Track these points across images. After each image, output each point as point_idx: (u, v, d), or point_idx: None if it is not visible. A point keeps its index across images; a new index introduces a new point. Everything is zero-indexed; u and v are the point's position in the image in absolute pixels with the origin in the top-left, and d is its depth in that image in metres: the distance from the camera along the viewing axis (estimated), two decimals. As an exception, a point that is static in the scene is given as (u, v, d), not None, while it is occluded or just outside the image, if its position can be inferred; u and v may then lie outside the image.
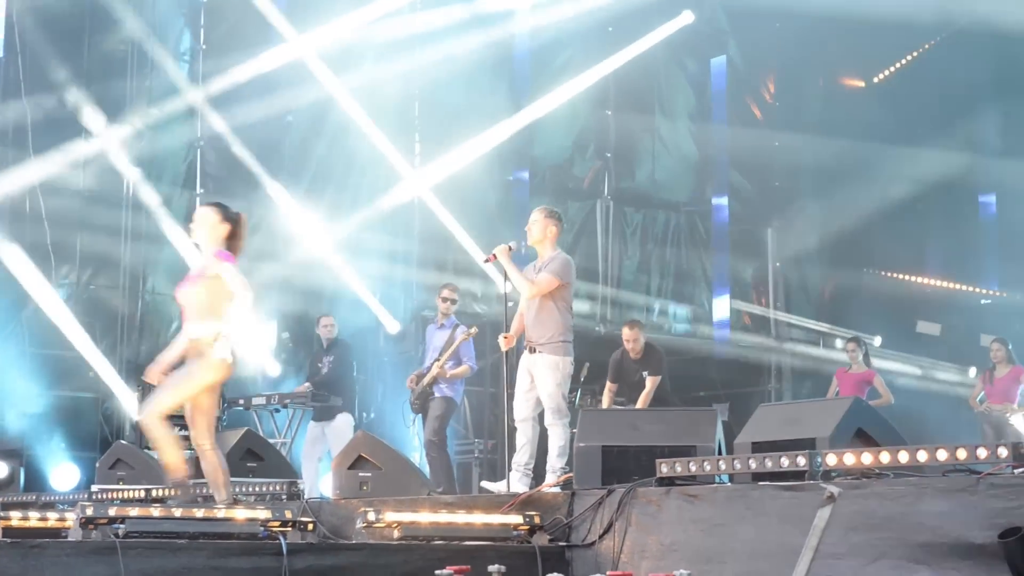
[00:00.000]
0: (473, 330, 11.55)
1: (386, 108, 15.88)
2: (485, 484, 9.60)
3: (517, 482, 8.89)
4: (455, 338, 11.51)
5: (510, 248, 9.19)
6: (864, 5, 16.23)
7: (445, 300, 11.80)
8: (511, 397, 9.21)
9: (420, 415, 11.64)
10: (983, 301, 18.12)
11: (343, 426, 12.53)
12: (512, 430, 9.17)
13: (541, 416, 9.15)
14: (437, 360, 11.45)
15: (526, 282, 9.09)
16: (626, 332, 12.08)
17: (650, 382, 11.82)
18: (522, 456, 9.01)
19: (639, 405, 11.66)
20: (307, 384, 12.77)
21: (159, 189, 14.72)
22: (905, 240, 18.54)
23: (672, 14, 17.46)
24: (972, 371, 16.14)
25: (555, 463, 8.97)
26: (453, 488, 11.27)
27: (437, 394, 11.45)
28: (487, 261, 9.77)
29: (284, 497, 8.77)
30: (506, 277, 9.21)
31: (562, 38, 16.86)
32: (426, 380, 11.43)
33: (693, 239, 18.12)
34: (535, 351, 9.05)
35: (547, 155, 17.20)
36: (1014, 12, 15.71)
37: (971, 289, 18.16)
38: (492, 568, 6.47)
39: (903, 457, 6.22)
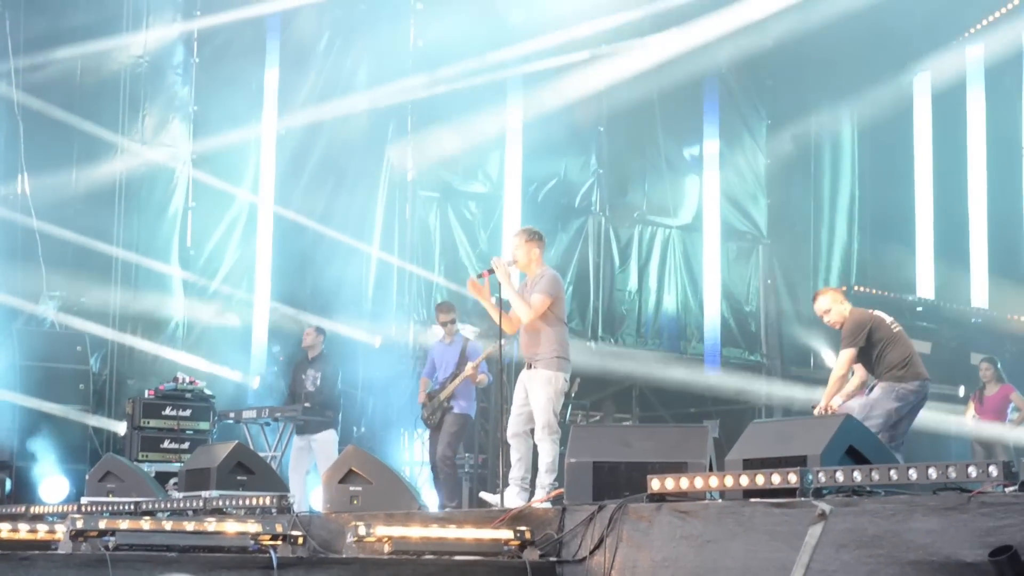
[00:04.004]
0: (491, 347, 11.35)
1: (377, 122, 15.95)
2: (484, 495, 9.64)
3: (515, 496, 8.92)
4: (471, 352, 11.92)
5: (508, 265, 9.22)
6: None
7: (446, 324, 12.17)
8: (508, 412, 9.25)
9: (430, 430, 12.03)
10: (973, 320, 18.15)
11: (328, 439, 12.57)
12: (507, 445, 9.21)
13: (533, 432, 9.15)
14: (456, 374, 11.81)
15: (524, 305, 9.10)
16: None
17: (839, 356, 9.64)
18: (517, 471, 9.06)
19: (826, 394, 9.56)
20: (307, 405, 12.72)
21: (151, 202, 14.77)
22: (897, 257, 18.62)
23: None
24: (961, 389, 16.14)
25: (543, 479, 8.99)
26: (460, 503, 11.48)
27: (456, 410, 11.83)
28: (481, 276, 9.39)
29: (274, 511, 8.74)
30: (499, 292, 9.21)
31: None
32: (445, 393, 11.77)
33: (685, 255, 18.11)
34: (532, 367, 9.13)
35: (538, 171, 17.18)
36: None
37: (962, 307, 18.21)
38: (483, 583, 6.47)
39: (894, 475, 6.23)
